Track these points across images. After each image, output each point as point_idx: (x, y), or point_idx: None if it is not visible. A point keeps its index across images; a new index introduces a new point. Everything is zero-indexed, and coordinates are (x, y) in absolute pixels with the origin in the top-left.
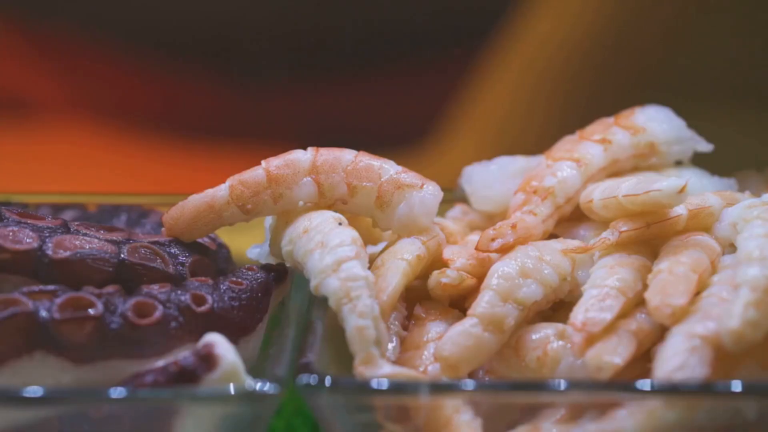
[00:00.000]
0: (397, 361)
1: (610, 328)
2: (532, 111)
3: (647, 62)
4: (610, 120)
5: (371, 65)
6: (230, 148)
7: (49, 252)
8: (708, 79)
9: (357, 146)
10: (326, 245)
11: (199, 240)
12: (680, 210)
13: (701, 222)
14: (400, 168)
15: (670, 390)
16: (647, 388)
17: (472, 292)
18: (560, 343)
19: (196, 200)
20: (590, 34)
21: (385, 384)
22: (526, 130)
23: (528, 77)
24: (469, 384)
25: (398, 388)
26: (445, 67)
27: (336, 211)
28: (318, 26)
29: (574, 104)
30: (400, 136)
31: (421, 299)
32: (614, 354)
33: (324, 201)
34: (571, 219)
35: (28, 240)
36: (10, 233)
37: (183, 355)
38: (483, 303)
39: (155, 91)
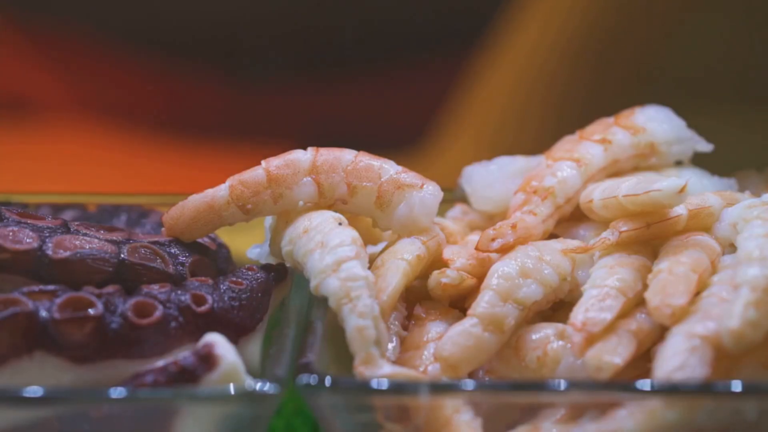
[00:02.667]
0: (397, 361)
1: (610, 328)
2: (529, 109)
3: (645, 61)
4: (610, 120)
5: (370, 66)
6: (230, 147)
7: (49, 252)
8: (708, 79)
9: (356, 146)
10: (326, 245)
11: (199, 240)
12: (680, 210)
13: (701, 222)
14: (400, 168)
15: (670, 390)
16: (647, 388)
17: (472, 292)
18: (560, 343)
19: (196, 200)
20: (584, 32)
21: (385, 384)
22: (523, 128)
23: (523, 76)
24: (469, 384)
25: (398, 388)
26: (441, 67)
27: (336, 211)
28: (318, 27)
29: (570, 102)
30: (398, 136)
31: (421, 299)
32: (614, 354)
33: (324, 201)
34: (571, 219)
35: (28, 240)
36: (10, 233)
37: (183, 355)
38: (483, 303)
39: (155, 90)
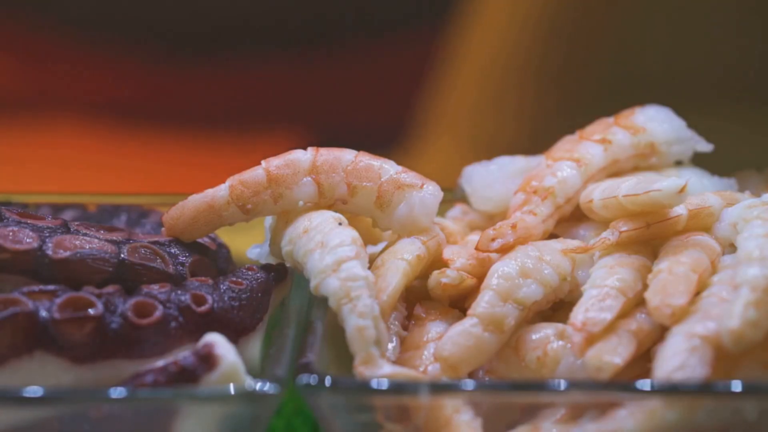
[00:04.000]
0: (397, 361)
1: (610, 328)
2: (503, 103)
3: (644, 60)
4: (610, 120)
5: (356, 52)
6: (214, 134)
7: (49, 252)
8: (708, 79)
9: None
10: (326, 245)
11: (199, 240)
12: (680, 210)
13: (701, 222)
14: (400, 168)
15: (670, 390)
16: (647, 388)
17: (472, 292)
18: (560, 343)
19: (196, 200)
20: (580, 28)
21: (385, 384)
22: (500, 122)
23: (494, 69)
24: (469, 384)
25: (398, 388)
26: (411, 63)
27: (336, 211)
28: (301, 17)
29: (570, 103)
30: (376, 136)
31: (421, 299)
32: (614, 354)
33: (324, 201)
34: (571, 219)
35: (28, 240)
36: (10, 233)
37: (183, 355)
38: (483, 303)
39: (149, 85)
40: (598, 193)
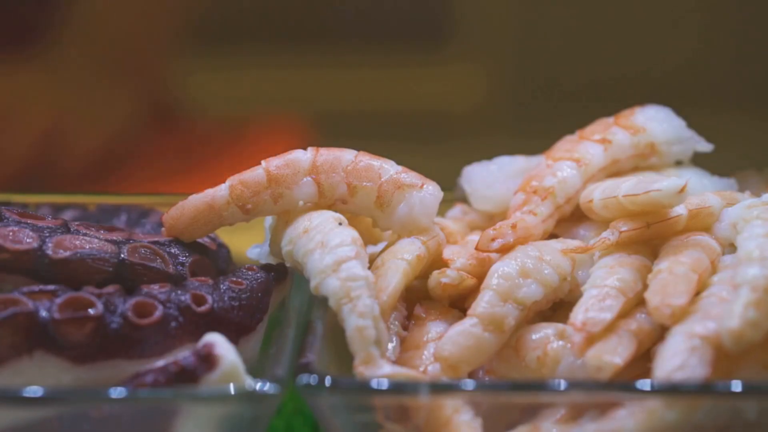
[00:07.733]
0: (397, 361)
1: (610, 328)
2: (503, 103)
3: (646, 61)
4: (610, 120)
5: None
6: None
7: (49, 252)
8: (708, 79)
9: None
10: (326, 245)
11: (199, 240)
12: (680, 210)
13: (701, 222)
14: (400, 168)
15: (670, 390)
16: (647, 388)
17: (472, 292)
18: (560, 343)
19: (196, 200)
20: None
21: (385, 384)
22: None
23: (494, 68)
24: (469, 384)
25: (398, 388)
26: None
27: (336, 211)
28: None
29: (571, 102)
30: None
31: (421, 299)
32: (614, 354)
33: (324, 201)
34: (571, 219)
35: (28, 240)
36: (10, 233)
37: (183, 355)
38: (483, 303)
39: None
40: (598, 193)
